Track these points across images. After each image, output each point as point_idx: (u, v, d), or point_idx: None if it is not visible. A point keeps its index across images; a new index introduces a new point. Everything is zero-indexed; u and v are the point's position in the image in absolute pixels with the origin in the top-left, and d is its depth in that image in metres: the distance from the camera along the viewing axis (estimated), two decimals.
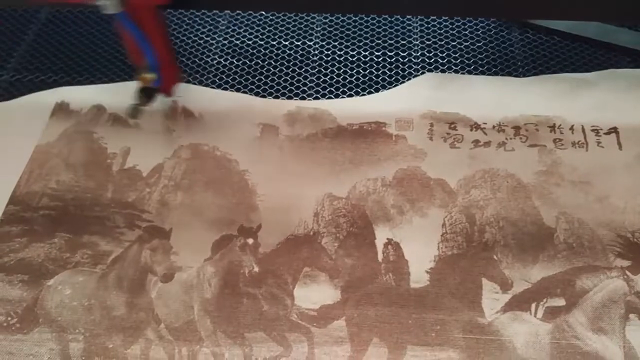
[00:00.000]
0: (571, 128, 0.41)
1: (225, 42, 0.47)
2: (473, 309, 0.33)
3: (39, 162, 0.40)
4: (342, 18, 0.48)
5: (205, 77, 0.45)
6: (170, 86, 0.39)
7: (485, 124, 0.41)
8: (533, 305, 0.33)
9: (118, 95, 0.43)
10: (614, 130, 0.41)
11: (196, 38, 0.48)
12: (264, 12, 0.49)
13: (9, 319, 0.33)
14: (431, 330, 0.32)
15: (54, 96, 0.44)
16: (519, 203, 0.37)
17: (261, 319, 0.32)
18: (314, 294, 0.33)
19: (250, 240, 0.35)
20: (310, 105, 0.43)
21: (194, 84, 0.44)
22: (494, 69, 0.44)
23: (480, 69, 0.44)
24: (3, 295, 0.34)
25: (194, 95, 0.43)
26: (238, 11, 0.49)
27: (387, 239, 0.36)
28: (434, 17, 0.47)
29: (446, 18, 0.47)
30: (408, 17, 0.48)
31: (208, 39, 0.47)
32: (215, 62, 0.46)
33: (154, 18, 0.35)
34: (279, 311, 0.33)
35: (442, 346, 0.31)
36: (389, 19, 0.48)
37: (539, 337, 0.32)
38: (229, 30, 0.48)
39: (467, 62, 0.45)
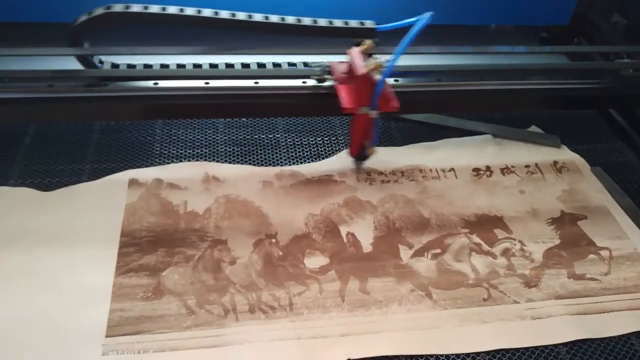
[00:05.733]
0: (430, 170, 0.75)
1: (226, 138, 0.77)
2: (396, 258, 0.63)
3: (131, 213, 0.64)
4: (296, 119, 0.80)
5: (219, 158, 0.73)
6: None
7: (385, 171, 0.74)
8: (425, 253, 0.64)
9: (168, 171, 0.70)
10: (452, 169, 0.76)
11: (205, 136, 0.77)
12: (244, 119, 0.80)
13: (147, 294, 0.56)
14: (377, 269, 0.61)
15: (125, 176, 0.69)
16: (410, 208, 0.69)
17: (290, 276, 0.60)
18: (315, 261, 0.61)
19: (273, 240, 0.63)
20: (287, 168, 0.72)
21: (214, 161, 0.72)
22: (384, 144, 0.78)
23: (378, 144, 0.78)
24: (138, 283, 0.57)
25: (218, 168, 0.71)
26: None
27: (347, 232, 0.65)
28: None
29: None
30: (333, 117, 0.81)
31: (215, 135, 0.77)
32: (223, 149, 0.75)
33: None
34: (299, 271, 0.60)
35: (385, 276, 0.61)
36: (321, 118, 0.81)
37: (430, 266, 0.62)
38: (226, 130, 0.78)
39: None
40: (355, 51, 0.62)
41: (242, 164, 0.72)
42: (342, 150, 0.76)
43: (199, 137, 0.76)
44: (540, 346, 0.56)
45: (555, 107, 0.80)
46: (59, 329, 0.53)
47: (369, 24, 0.65)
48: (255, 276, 0.59)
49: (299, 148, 0.76)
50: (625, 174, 0.77)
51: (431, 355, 0.54)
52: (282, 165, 0.73)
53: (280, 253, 0.62)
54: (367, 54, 0.62)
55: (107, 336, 0.53)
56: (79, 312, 0.54)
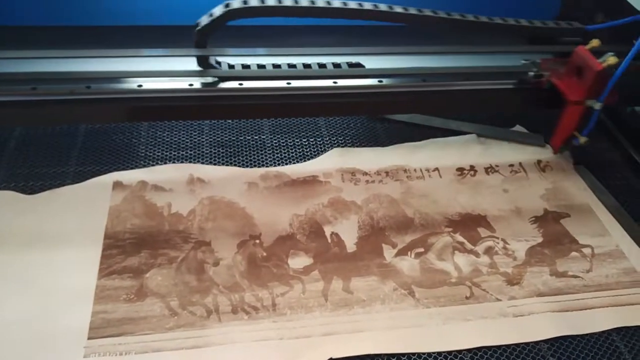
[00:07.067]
0: (414, 170, 0.75)
1: (211, 139, 0.77)
2: (380, 257, 0.63)
3: (115, 216, 0.64)
4: (281, 120, 0.81)
5: (204, 159, 0.73)
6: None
7: (370, 171, 0.74)
8: (409, 252, 0.64)
9: (153, 173, 0.70)
10: (436, 169, 0.76)
11: (190, 137, 0.77)
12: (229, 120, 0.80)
13: (130, 295, 0.57)
14: (361, 269, 0.61)
15: (110, 178, 0.69)
16: (394, 208, 0.69)
17: (274, 276, 0.60)
18: (299, 261, 0.62)
19: (257, 241, 0.63)
20: (273, 169, 0.73)
21: (199, 163, 0.73)
22: (370, 144, 0.79)
23: (363, 144, 0.79)
24: (121, 285, 0.57)
25: (203, 169, 0.71)
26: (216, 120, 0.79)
27: (331, 232, 0.65)
28: (334, 117, 0.82)
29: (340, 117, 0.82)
30: (318, 117, 0.82)
31: (200, 137, 0.77)
32: (208, 150, 0.75)
33: None
34: (282, 271, 0.61)
35: (368, 275, 0.61)
36: (307, 119, 0.82)
37: (414, 265, 0.63)
38: (212, 132, 0.78)
39: (355, 140, 0.79)
40: (584, 49, 0.68)
41: (227, 165, 0.73)
42: (327, 150, 0.76)
43: (183, 139, 0.76)
44: (522, 343, 0.56)
45: (540, 106, 0.80)
46: (41, 331, 0.53)
47: (576, 24, 0.76)
48: (238, 277, 0.60)
49: (284, 149, 0.76)
50: (608, 172, 0.77)
51: (413, 354, 0.55)
52: (267, 167, 0.73)
53: (264, 254, 0.62)
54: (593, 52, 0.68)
55: (89, 338, 0.53)
56: (62, 314, 0.54)
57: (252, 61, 0.69)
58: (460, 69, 0.72)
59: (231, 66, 0.68)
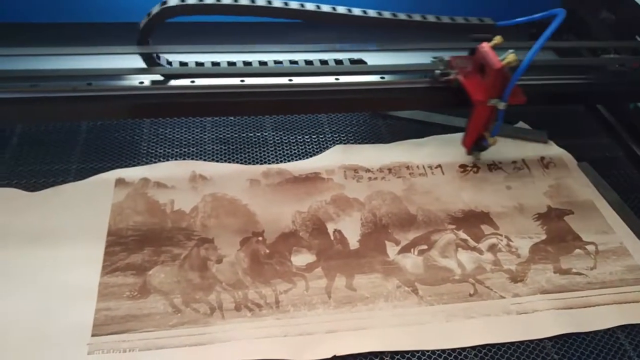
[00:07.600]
0: (417, 166, 0.75)
1: (213, 136, 0.77)
2: (383, 254, 0.63)
3: (118, 213, 0.64)
4: (283, 117, 0.80)
5: (207, 156, 0.73)
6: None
7: (373, 168, 0.74)
8: (412, 250, 0.64)
9: (155, 170, 0.70)
10: (439, 165, 0.76)
11: (193, 134, 0.77)
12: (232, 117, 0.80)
13: (133, 293, 0.57)
14: (364, 266, 0.61)
15: (112, 175, 0.69)
16: (397, 205, 0.69)
17: (277, 273, 0.60)
18: (301, 258, 0.62)
19: (260, 238, 0.63)
20: (275, 166, 0.73)
21: (202, 160, 0.72)
22: (372, 141, 0.79)
23: (366, 141, 0.78)
24: (124, 282, 0.57)
25: (205, 166, 0.71)
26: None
27: (334, 229, 0.65)
28: (336, 114, 0.82)
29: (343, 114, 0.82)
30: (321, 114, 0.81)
31: (202, 134, 0.77)
32: (210, 147, 0.75)
33: None
34: (285, 269, 0.60)
35: (371, 273, 0.61)
36: (310, 115, 0.81)
37: (417, 262, 0.62)
38: (214, 129, 0.78)
39: (357, 137, 0.79)
40: (487, 46, 0.65)
41: (229, 162, 0.72)
42: (330, 147, 0.76)
43: (186, 136, 0.76)
44: (526, 341, 0.56)
45: (543, 102, 0.80)
46: (45, 328, 0.53)
47: (488, 20, 0.71)
48: (241, 274, 0.59)
49: (286, 146, 0.76)
50: (612, 168, 0.77)
51: (417, 351, 0.54)
52: (269, 164, 0.73)
53: (267, 251, 0.62)
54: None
55: (93, 335, 0.53)
56: (65, 311, 0.54)
57: (253, 58, 0.68)
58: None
59: (232, 63, 0.67)
